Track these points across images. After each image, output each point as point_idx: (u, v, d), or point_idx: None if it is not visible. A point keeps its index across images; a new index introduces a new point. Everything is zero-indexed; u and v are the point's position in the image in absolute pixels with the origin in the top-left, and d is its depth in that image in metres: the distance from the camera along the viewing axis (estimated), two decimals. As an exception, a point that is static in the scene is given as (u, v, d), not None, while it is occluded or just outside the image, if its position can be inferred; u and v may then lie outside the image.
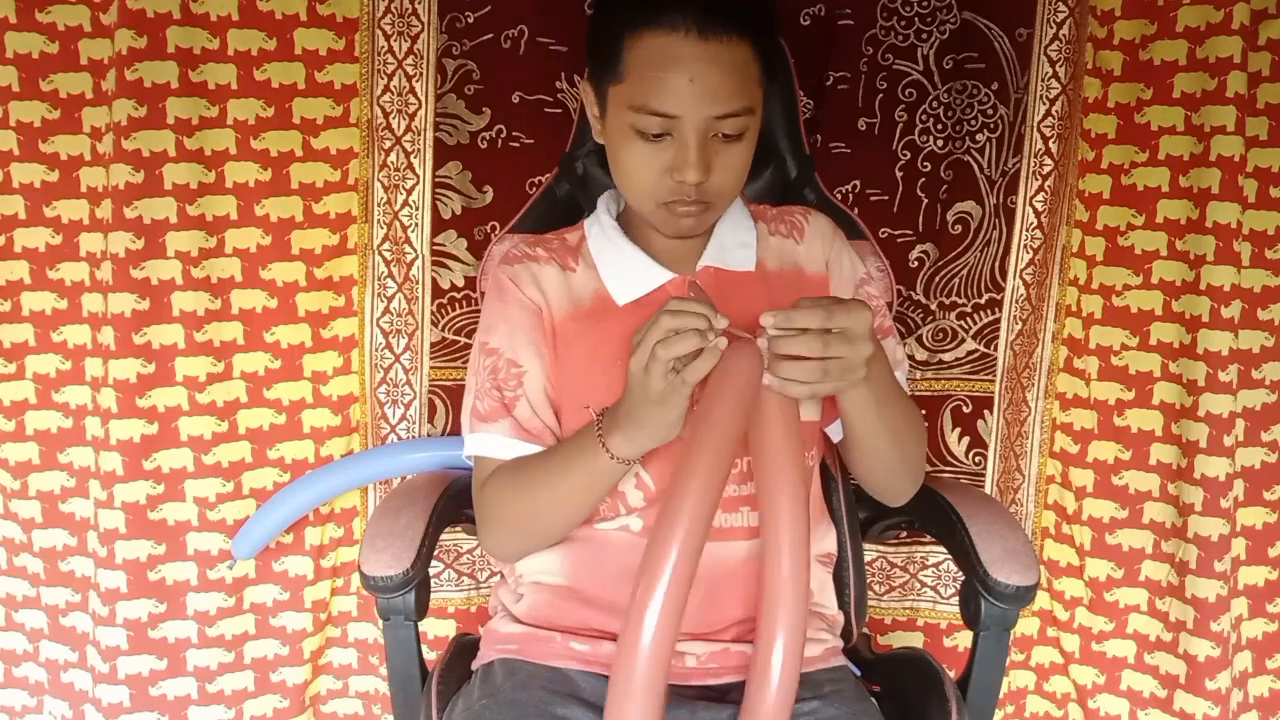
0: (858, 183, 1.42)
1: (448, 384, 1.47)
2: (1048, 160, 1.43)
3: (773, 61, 0.98)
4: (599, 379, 1.00)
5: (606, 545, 1.02)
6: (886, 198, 1.44)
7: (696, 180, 0.94)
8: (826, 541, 1.11)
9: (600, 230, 1.08)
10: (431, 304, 1.45)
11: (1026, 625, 1.61)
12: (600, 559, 1.02)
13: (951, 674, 1.09)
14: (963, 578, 1.09)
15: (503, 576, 1.13)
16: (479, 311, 1.15)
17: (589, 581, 1.03)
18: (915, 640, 1.60)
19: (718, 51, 0.91)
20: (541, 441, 1.03)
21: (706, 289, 1.02)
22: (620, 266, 1.05)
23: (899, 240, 1.45)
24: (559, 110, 1.38)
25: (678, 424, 0.87)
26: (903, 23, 1.39)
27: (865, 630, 1.26)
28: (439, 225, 1.42)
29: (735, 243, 1.06)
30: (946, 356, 1.50)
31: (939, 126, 1.42)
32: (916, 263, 1.46)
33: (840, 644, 1.10)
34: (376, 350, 1.46)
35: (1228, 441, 1.42)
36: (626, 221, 1.08)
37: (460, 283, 1.44)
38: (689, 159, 0.93)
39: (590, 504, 0.98)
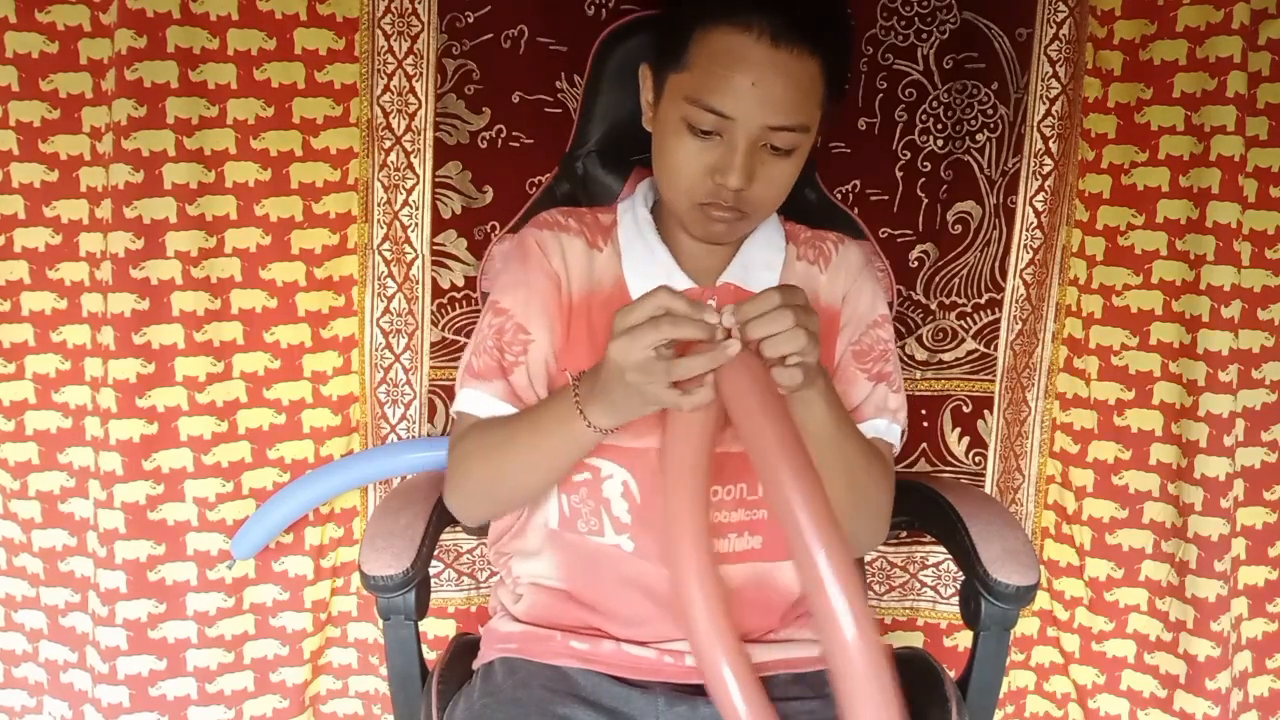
0: (858, 183, 1.42)
1: (448, 384, 1.47)
2: (1048, 160, 1.43)
3: (839, 82, 0.96)
4: None
5: (601, 557, 1.01)
6: (886, 198, 1.44)
7: (737, 186, 0.92)
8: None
9: (633, 220, 1.06)
10: (431, 304, 1.45)
11: (1026, 625, 1.61)
12: (595, 568, 1.02)
13: (951, 674, 1.09)
14: (963, 578, 1.09)
15: (501, 578, 1.13)
16: (479, 311, 1.15)
17: (586, 588, 1.03)
18: (915, 640, 1.60)
19: (786, 61, 0.89)
20: None
21: (724, 305, 1.02)
22: (645, 263, 1.03)
23: (899, 240, 1.45)
24: (559, 110, 1.38)
25: (656, 403, 0.83)
26: (903, 23, 1.39)
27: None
28: (439, 225, 1.42)
29: (760, 263, 1.05)
30: (946, 356, 1.50)
31: (939, 126, 1.42)
32: (916, 263, 1.46)
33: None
34: (376, 350, 1.46)
35: (1228, 441, 1.42)
36: (659, 216, 1.06)
37: (460, 283, 1.44)
38: (734, 163, 0.92)
39: (560, 471, 0.96)
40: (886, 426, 1.04)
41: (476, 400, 1.01)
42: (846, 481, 0.93)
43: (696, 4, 0.93)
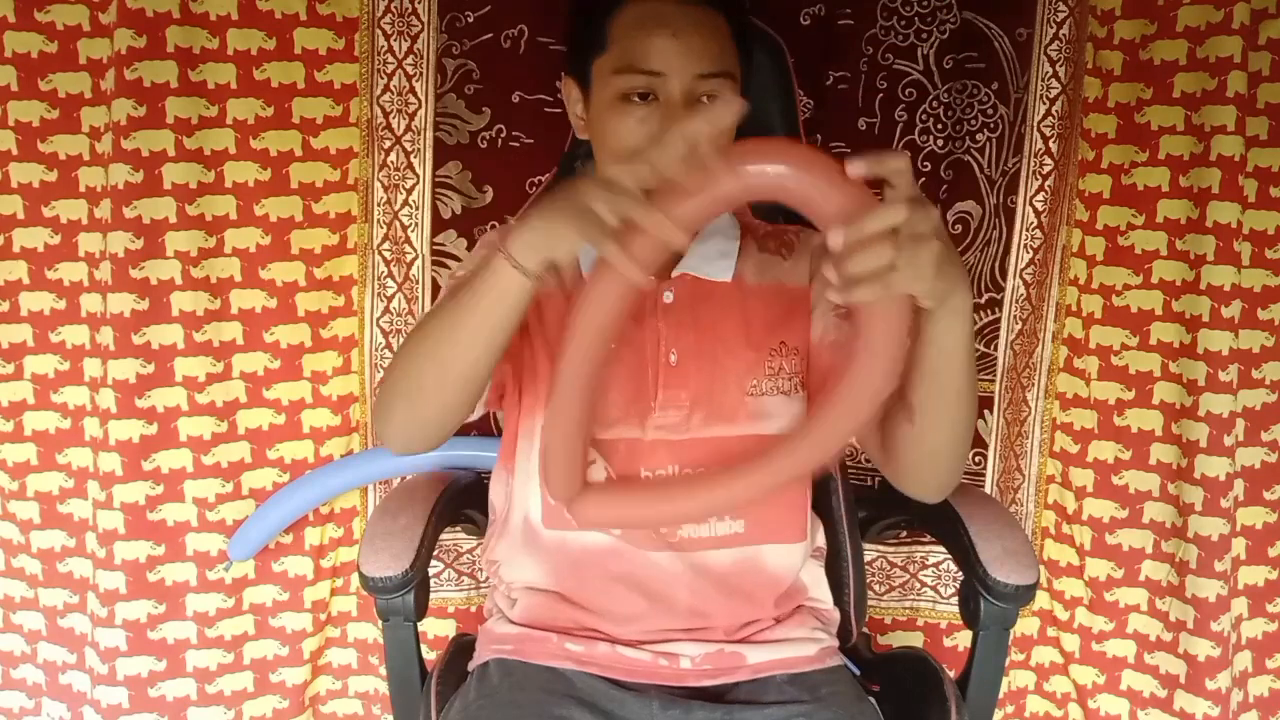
0: (858, 183, 1.42)
1: (447, 384, 1.47)
2: (1048, 160, 1.43)
3: (745, 48, 1.00)
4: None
5: (585, 559, 1.01)
6: (886, 198, 1.43)
7: None
8: (816, 537, 1.11)
9: None
10: (431, 304, 1.45)
11: (1026, 625, 1.61)
12: (581, 570, 1.02)
13: (951, 674, 1.08)
14: (962, 577, 1.09)
15: (494, 585, 1.13)
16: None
17: (575, 590, 1.03)
18: (915, 640, 1.60)
19: (698, 14, 0.94)
20: None
21: (682, 298, 1.01)
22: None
23: (899, 240, 1.45)
24: (559, 110, 1.36)
25: (586, 239, 0.75)
26: (903, 23, 1.39)
27: (865, 630, 1.26)
28: (439, 225, 1.42)
29: (715, 253, 1.05)
30: (946, 356, 1.50)
31: (939, 126, 1.42)
32: (916, 262, 1.46)
33: (836, 644, 1.10)
34: (376, 350, 1.46)
35: (1228, 441, 1.42)
36: None
37: (460, 283, 1.44)
38: (675, 115, 0.93)
39: (483, 334, 0.83)
40: None
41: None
42: (968, 415, 0.87)
43: None
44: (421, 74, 1.38)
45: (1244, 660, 1.56)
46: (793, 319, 1.04)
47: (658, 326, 1.00)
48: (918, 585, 1.59)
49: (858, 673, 1.13)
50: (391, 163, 1.40)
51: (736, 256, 1.05)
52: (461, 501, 1.23)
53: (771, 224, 1.13)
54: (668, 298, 1.01)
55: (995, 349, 1.50)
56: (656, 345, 1.00)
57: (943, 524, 1.13)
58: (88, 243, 1.39)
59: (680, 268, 1.04)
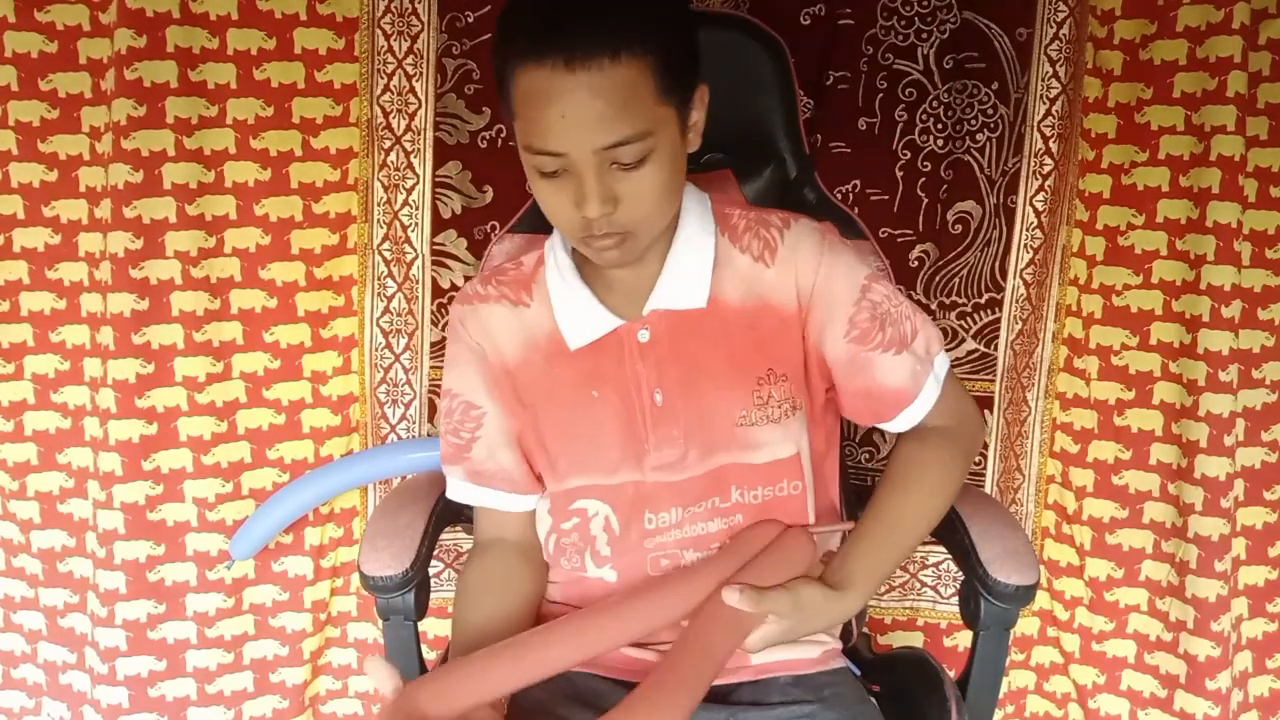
0: (858, 182, 1.42)
1: (447, 384, 1.47)
2: (1048, 160, 1.43)
3: (681, 68, 0.88)
4: (557, 427, 1.00)
5: (585, 583, 1.02)
6: (886, 198, 1.44)
7: (597, 215, 0.88)
8: (833, 541, 1.10)
9: (555, 264, 1.02)
10: (431, 303, 1.45)
11: (1026, 625, 1.61)
12: (585, 593, 1.02)
13: (951, 674, 1.08)
14: (963, 577, 1.09)
15: None
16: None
17: (580, 601, 1.03)
18: (915, 640, 1.60)
19: (589, 81, 0.82)
20: (495, 485, 1.04)
21: (659, 335, 0.97)
22: (571, 309, 0.99)
23: (899, 240, 1.45)
24: (559, 110, 1.38)
25: None
26: (903, 22, 1.39)
27: (865, 630, 1.26)
28: (439, 225, 1.42)
29: (688, 273, 0.97)
30: (946, 356, 1.50)
31: (939, 126, 1.42)
32: (916, 263, 1.46)
33: (839, 645, 1.10)
34: (376, 350, 1.46)
35: (1228, 441, 1.42)
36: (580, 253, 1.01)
37: (460, 282, 1.44)
38: (585, 193, 0.87)
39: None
40: (934, 384, 0.99)
41: (452, 485, 1.07)
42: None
43: (501, 49, 0.88)
44: (421, 74, 1.38)
45: (1244, 660, 1.56)
46: (781, 341, 0.98)
47: (637, 369, 0.97)
48: (918, 585, 1.59)
49: (858, 673, 1.13)
50: (391, 163, 1.40)
51: (711, 269, 0.98)
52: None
53: (752, 208, 1.05)
54: (643, 337, 0.97)
55: (995, 349, 1.50)
56: (639, 387, 0.97)
57: (942, 524, 1.13)
58: (88, 243, 1.39)
59: (650, 303, 0.98)
